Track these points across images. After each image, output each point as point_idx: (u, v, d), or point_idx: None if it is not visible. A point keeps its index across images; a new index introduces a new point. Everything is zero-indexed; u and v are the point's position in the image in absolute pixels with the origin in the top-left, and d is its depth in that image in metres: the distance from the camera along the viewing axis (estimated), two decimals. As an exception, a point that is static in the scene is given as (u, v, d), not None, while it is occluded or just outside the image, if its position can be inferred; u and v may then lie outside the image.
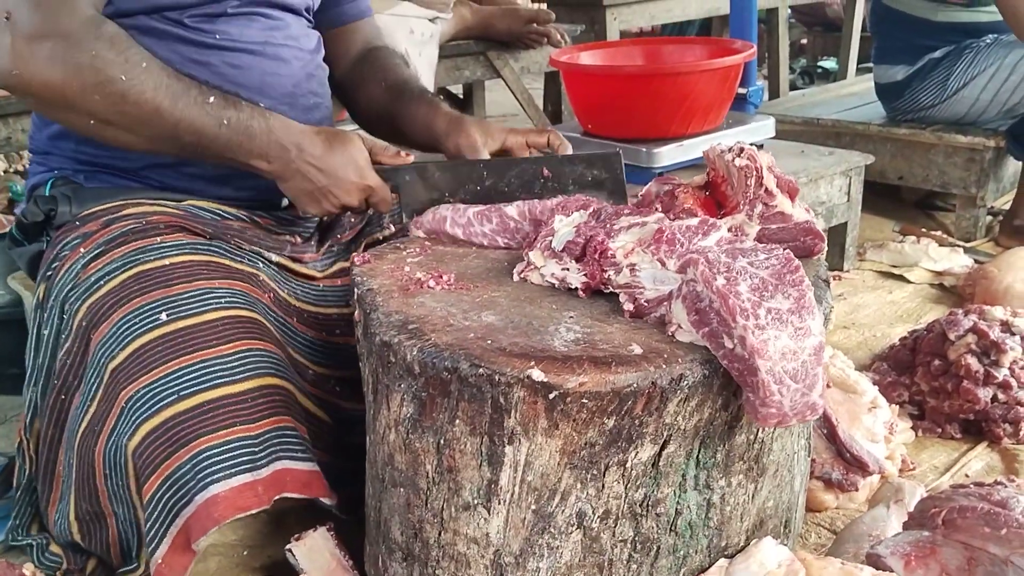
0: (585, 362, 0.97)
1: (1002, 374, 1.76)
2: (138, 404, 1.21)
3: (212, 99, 1.33)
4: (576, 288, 1.13)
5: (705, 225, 1.08)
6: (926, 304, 2.47)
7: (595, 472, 1.01)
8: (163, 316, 1.25)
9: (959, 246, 2.78)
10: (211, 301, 1.28)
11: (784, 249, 1.03)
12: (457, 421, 1.02)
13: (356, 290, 1.19)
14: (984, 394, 1.76)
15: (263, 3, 1.49)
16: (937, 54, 2.85)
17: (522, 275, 1.18)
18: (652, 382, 0.96)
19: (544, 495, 1.03)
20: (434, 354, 1.00)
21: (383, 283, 1.19)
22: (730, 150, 1.23)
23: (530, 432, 0.99)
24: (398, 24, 2.13)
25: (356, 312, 1.19)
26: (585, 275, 1.12)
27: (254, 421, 1.21)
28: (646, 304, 1.06)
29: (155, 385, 1.21)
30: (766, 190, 1.20)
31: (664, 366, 0.97)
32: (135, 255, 1.31)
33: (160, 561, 1.17)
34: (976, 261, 2.65)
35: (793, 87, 5.58)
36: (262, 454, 1.19)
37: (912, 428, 1.83)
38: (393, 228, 1.57)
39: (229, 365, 1.23)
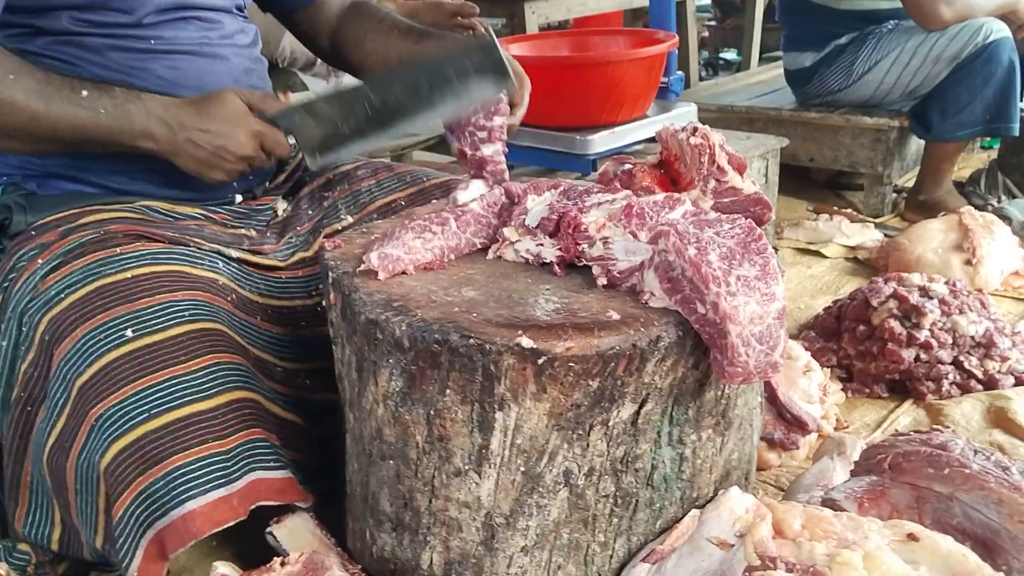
0: (569, 328, 1.03)
1: (923, 335, 1.89)
2: (109, 423, 1.22)
3: (85, 92, 1.34)
4: (550, 263, 1.19)
5: (671, 200, 1.16)
6: (843, 276, 2.62)
7: (580, 432, 1.08)
8: (128, 332, 1.26)
9: (869, 222, 2.94)
10: (175, 315, 1.30)
11: (745, 219, 1.11)
12: (447, 391, 1.07)
13: (331, 274, 1.23)
14: (907, 355, 1.89)
15: (192, 6, 1.51)
16: (843, 40, 3.01)
17: (497, 253, 1.24)
18: (633, 344, 1.03)
19: (533, 457, 1.09)
20: (423, 328, 1.05)
21: (358, 265, 1.23)
22: (683, 129, 1.31)
23: (519, 397, 1.05)
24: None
25: (331, 295, 1.23)
26: (559, 249, 1.18)
27: (225, 436, 1.24)
28: (619, 275, 1.13)
29: (125, 403, 1.22)
30: (718, 166, 1.28)
31: (642, 329, 1.04)
32: (96, 267, 1.32)
33: (136, 573, 1.19)
34: (886, 235, 2.81)
35: (699, 78, 5.76)
36: (235, 468, 1.22)
37: (842, 389, 1.95)
38: (351, 219, 1.60)
39: (198, 381, 1.26)
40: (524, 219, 1.23)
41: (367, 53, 1.74)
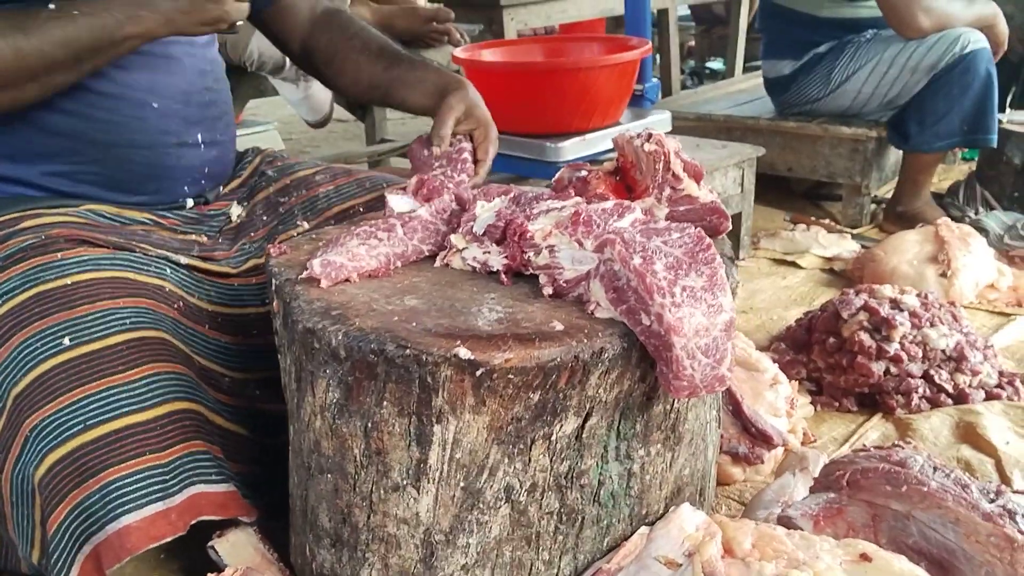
0: (509, 339, 1.00)
1: (893, 348, 1.86)
2: (43, 433, 1.18)
3: (52, 5, 1.29)
4: (497, 271, 1.16)
5: (620, 207, 1.13)
6: (818, 288, 2.59)
7: (521, 447, 1.04)
8: (66, 340, 1.22)
9: (847, 233, 2.92)
10: (115, 323, 1.26)
11: (695, 227, 1.07)
12: (384, 403, 1.04)
13: (274, 280, 1.19)
14: (877, 368, 1.85)
15: None
16: (821, 49, 2.98)
17: (445, 260, 1.20)
18: (575, 356, 0.99)
19: (472, 471, 1.05)
20: (360, 338, 1.01)
21: (301, 272, 1.19)
22: (639, 136, 1.28)
23: (457, 410, 1.02)
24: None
25: (275, 303, 1.19)
26: (506, 257, 1.15)
27: (164, 448, 1.20)
28: (565, 284, 1.09)
29: (60, 414, 1.18)
30: (673, 174, 1.25)
31: (585, 340, 1.01)
32: (35, 273, 1.28)
33: None
34: (863, 246, 2.79)
35: (683, 87, 5.75)
36: (173, 481, 1.18)
37: (811, 403, 1.92)
38: (307, 225, 1.57)
39: (136, 391, 1.22)
40: (472, 226, 1.19)
41: (337, 71, 1.71)
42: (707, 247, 1.05)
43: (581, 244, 1.09)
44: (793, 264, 2.76)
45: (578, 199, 1.20)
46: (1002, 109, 3.00)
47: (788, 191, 3.41)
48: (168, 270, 1.39)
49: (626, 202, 1.16)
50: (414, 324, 1.03)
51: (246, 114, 4.09)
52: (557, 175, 1.35)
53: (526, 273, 1.15)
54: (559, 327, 1.03)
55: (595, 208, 1.13)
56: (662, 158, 1.25)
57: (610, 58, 2.27)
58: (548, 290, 1.11)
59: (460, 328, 1.02)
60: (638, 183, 1.30)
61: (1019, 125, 2.91)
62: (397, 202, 1.28)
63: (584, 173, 1.33)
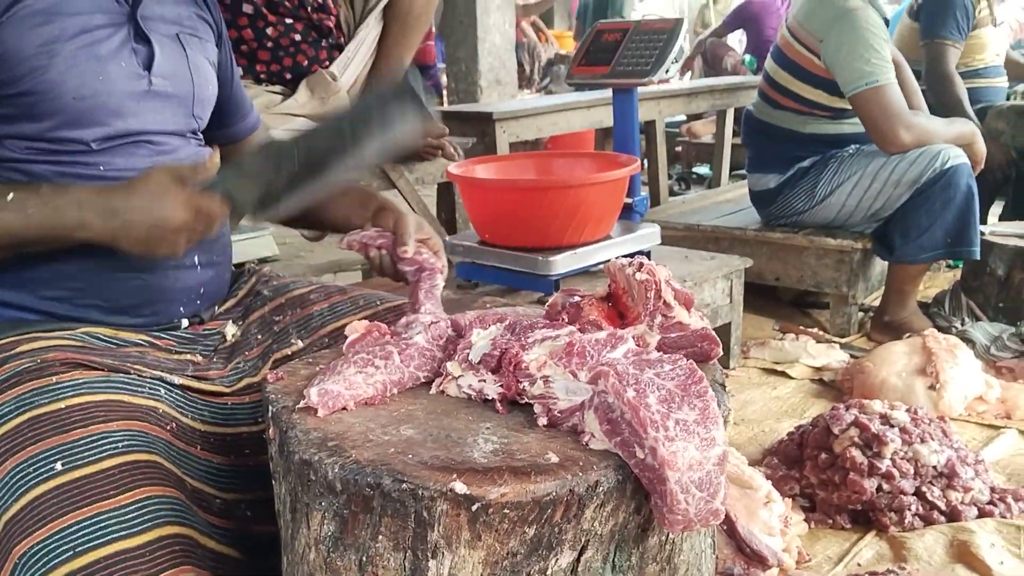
0: (505, 473, 1.00)
1: (884, 465, 1.87)
2: (32, 561, 1.17)
3: (11, 196, 1.32)
4: (492, 399, 1.17)
5: (613, 338, 1.15)
6: (808, 399, 2.61)
7: (517, 581, 1.04)
8: (58, 465, 1.22)
9: (835, 342, 2.95)
10: (108, 447, 1.26)
11: (687, 359, 1.09)
12: (380, 537, 1.03)
13: (271, 407, 1.20)
14: (869, 484, 1.86)
15: (143, 132, 1.50)
16: (806, 163, 3.07)
17: (441, 388, 1.22)
18: (570, 490, 1.00)
19: (468, 607, 1.04)
20: (356, 471, 1.02)
21: (298, 399, 1.20)
22: (630, 264, 1.31)
23: (453, 545, 1.01)
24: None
25: (271, 430, 1.20)
26: (501, 386, 1.16)
27: (153, 574, 1.18)
28: (560, 414, 1.11)
29: (49, 541, 1.17)
30: (664, 302, 1.27)
31: (580, 473, 1.01)
32: (29, 397, 1.29)
33: None
34: (852, 356, 2.82)
35: (671, 192, 5.88)
36: None
37: (805, 520, 1.91)
38: (301, 343, 1.58)
39: (127, 516, 1.21)
40: (468, 354, 1.21)
41: None
42: (699, 379, 1.06)
43: (575, 375, 1.11)
44: (783, 374, 2.78)
45: (572, 327, 1.22)
46: (983, 221, 3.07)
47: (776, 298, 3.46)
48: (162, 391, 1.40)
49: (619, 332, 1.18)
50: (410, 456, 1.04)
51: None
52: (551, 300, 1.38)
53: (521, 402, 1.16)
54: (554, 459, 1.04)
55: (589, 338, 1.15)
56: (653, 287, 1.28)
57: (601, 176, 2.33)
58: (543, 420, 1.12)
59: (456, 461, 1.03)
60: (630, 309, 1.33)
61: (1001, 237, 2.98)
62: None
63: (577, 299, 1.35)
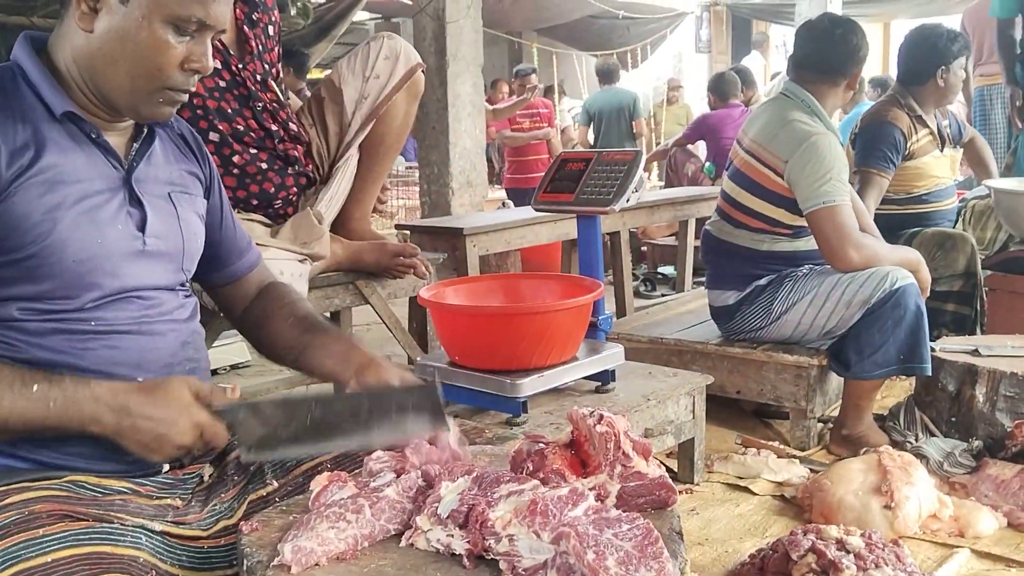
0: (472, 634, 1.06)
1: (840, 592, 1.92)
2: None
3: (36, 387, 1.41)
4: (460, 554, 1.23)
5: (574, 495, 1.22)
6: (770, 516, 2.66)
7: None
8: None
9: (796, 456, 3.03)
10: None
11: (644, 519, 1.16)
12: None
13: (246, 561, 1.25)
14: (827, 612, 1.91)
15: (133, 288, 1.58)
16: (762, 281, 3.19)
17: (410, 540, 1.27)
18: (534, 651, 1.06)
19: None
20: (330, 631, 1.07)
21: (272, 554, 1.25)
22: (591, 415, 1.39)
23: None
24: (267, 267, 2.26)
25: (245, 581, 1.24)
26: (468, 542, 1.22)
27: None
28: (524, 572, 1.17)
29: None
30: (623, 453, 1.35)
31: (544, 634, 1.07)
32: (16, 551, 1.33)
33: None
34: (812, 471, 2.89)
35: (637, 293, 6.03)
36: None
37: (766, 647, 1.96)
38: (276, 484, 1.63)
39: None
40: (436, 507, 1.27)
41: (262, 335, 1.87)
42: (655, 540, 1.13)
43: (539, 535, 1.17)
44: (746, 489, 2.84)
45: (535, 482, 1.29)
46: (934, 339, 3.19)
47: (738, 409, 3.54)
48: (143, 538, 1.44)
49: (579, 487, 1.25)
50: (381, 616, 1.09)
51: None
52: (516, 448, 1.45)
53: (487, 557, 1.22)
54: (519, 618, 1.09)
55: (552, 496, 1.22)
56: (613, 438, 1.36)
57: (566, 302, 2.43)
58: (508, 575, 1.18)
59: (425, 621, 1.09)
60: (592, 457, 1.40)
61: (951, 353, 3.09)
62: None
63: (541, 446, 1.42)
